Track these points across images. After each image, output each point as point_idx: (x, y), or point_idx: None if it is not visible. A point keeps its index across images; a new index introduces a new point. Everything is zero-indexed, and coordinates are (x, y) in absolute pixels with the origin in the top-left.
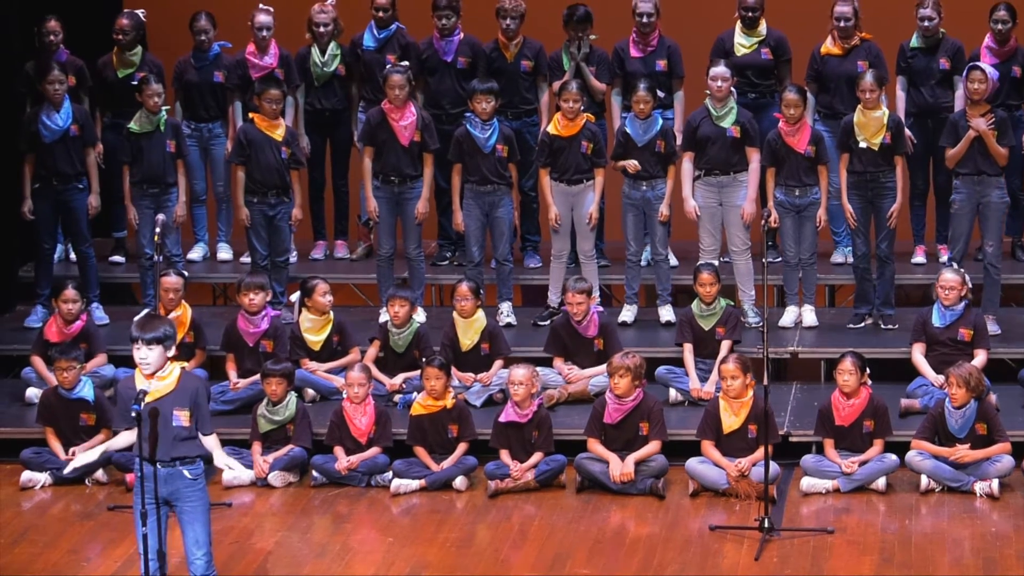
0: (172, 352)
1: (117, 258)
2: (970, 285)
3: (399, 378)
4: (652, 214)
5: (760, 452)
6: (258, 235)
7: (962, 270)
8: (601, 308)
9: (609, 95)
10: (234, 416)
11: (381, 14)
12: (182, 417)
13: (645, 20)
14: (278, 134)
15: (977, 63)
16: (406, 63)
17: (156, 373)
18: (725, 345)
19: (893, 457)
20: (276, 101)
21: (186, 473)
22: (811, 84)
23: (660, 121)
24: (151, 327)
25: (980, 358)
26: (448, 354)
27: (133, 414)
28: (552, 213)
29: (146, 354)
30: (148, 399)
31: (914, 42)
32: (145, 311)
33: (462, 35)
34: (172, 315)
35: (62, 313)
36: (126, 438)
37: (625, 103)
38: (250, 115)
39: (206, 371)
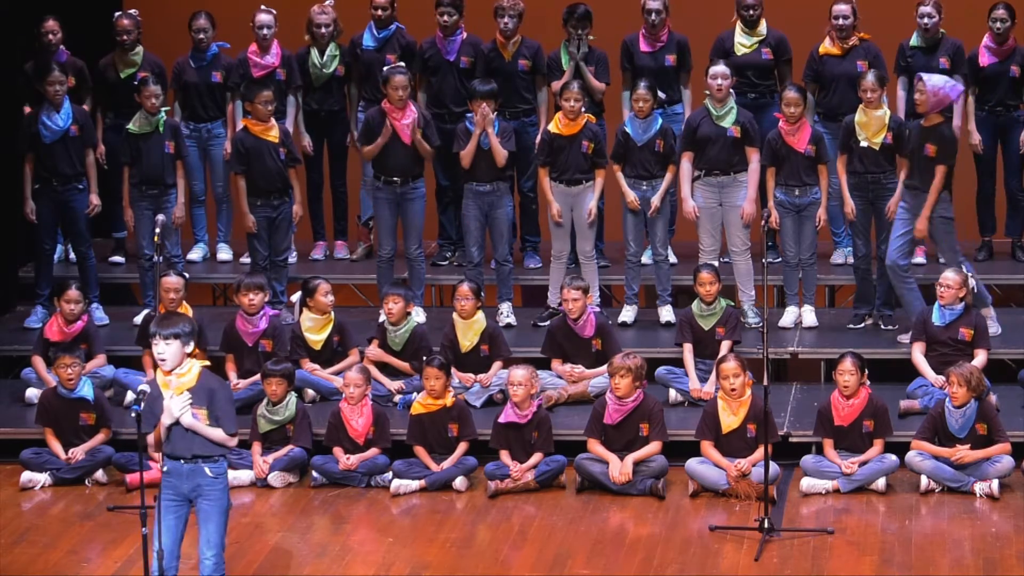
0: (190, 348)
1: (117, 258)
2: (973, 287)
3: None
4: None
5: (760, 452)
6: (260, 237)
7: (964, 271)
8: (598, 308)
9: (605, 92)
10: None
11: (380, 12)
12: (200, 415)
13: (654, 17)
14: (272, 135)
15: (921, 73)
16: (402, 64)
17: (175, 370)
18: (725, 345)
19: (893, 457)
20: (269, 102)
21: (207, 471)
22: (810, 84)
23: (659, 120)
24: (170, 323)
25: (980, 358)
26: (448, 355)
27: (133, 414)
28: (554, 209)
29: (163, 349)
30: (167, 394)
31: (914, 41)
32: (150, 310)
33: (465, 34)
34: None
35: (64, 313)
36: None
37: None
38: (242, 122)
39: None
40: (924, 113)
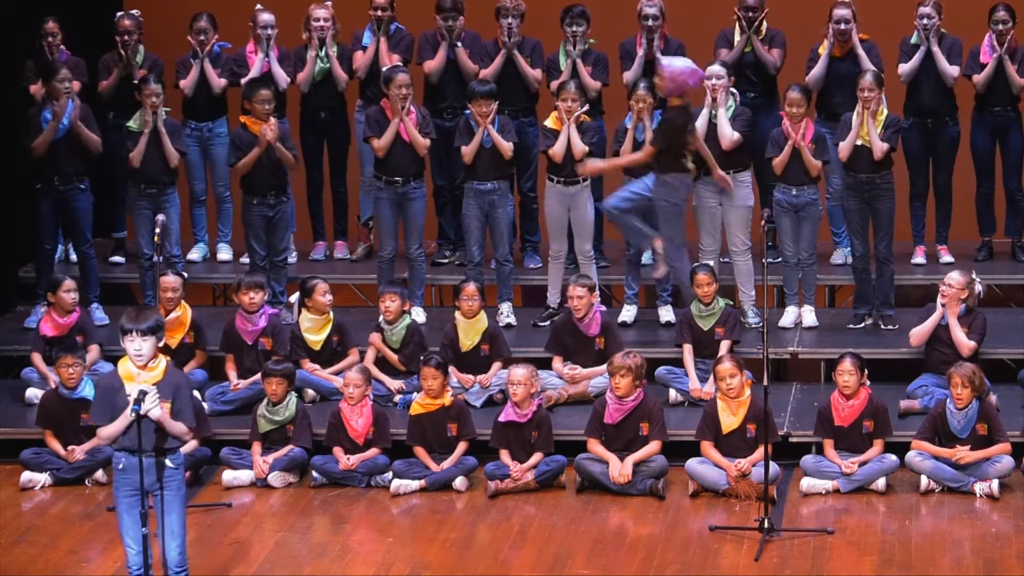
0: (161, 343)
1: (117, 258)
2: (978, 291)
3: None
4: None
5: (760, 452)
6: (257, 236)
7: (971, 273)
8: (604, 308)
9: (604, 93)
10: (234, 416)
11: (380, 13)
12: (164, 408)
13: (650, 23)
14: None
15: (661, 57)
16: (398, 65)
17: (147, 364)
18: (724, 345)
19: (893, 457)
20: (267, 101)
21: (168, 463)
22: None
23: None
24: (145, 318)
25: (970, 343)
26: (447, 354)
27: (133, 415)
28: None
29: (140, 345)
30: (133, 388)
31: (914, 39)
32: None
33: (464, 31)
34: (172, 315)
35: (63, 303)
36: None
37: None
38: (241, 119)
39: (206, 372)
40: (664, 96)
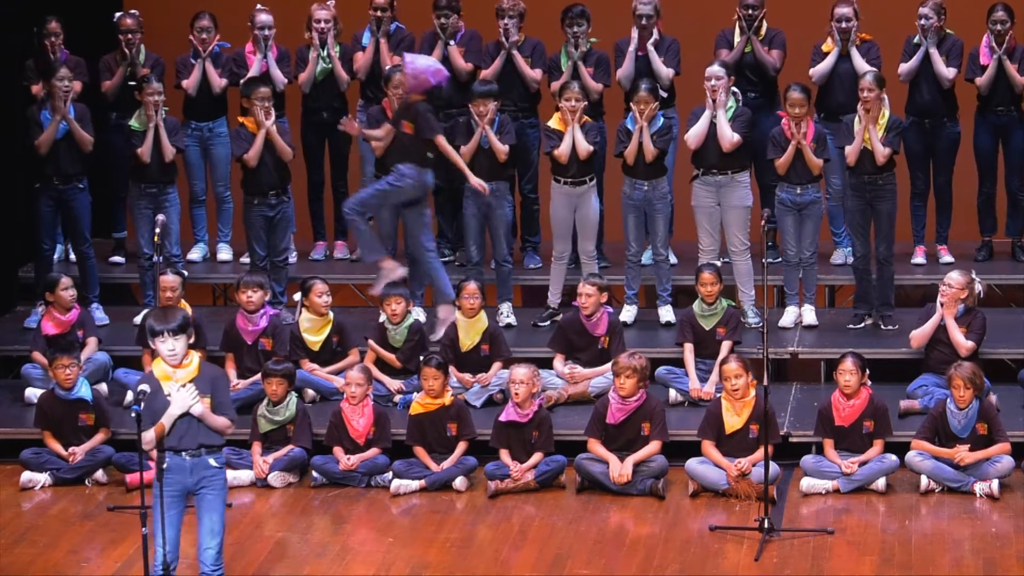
0: (191, 339)
1: (117, 258)
2: (978, 291)
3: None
4: (653, 214)
5: (760, 452)
6: (258, 237)
7: (971, 273)
8: (612, 308)
9: (604, 93)
10: None
11: (379, 14)
12: (204, 404)
13: (644, 23)
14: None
15: (405, 53)
16: (399, 64)
17: (181, 362)
18: (725, 346)
19: (893, 457)
20: (265, 99)
21: (212, 461)
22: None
23: (661, 119)
24: (173, 317)
25: (968, 344)
26: (447, 354)
27: (133, 414)
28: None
29: (173, 345)
30: (171, 387)
31: (916, 39)
32: (149, 309)
33: (464, 30)
34: None
35: (61, 301)
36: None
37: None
38: (239, 119)
39: None
40: (406, 93)
